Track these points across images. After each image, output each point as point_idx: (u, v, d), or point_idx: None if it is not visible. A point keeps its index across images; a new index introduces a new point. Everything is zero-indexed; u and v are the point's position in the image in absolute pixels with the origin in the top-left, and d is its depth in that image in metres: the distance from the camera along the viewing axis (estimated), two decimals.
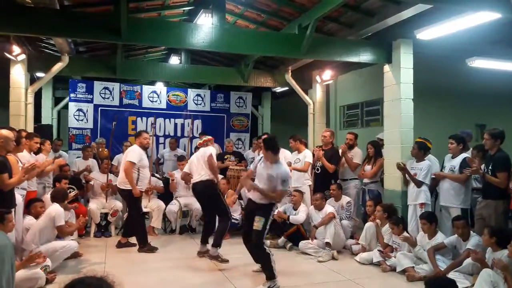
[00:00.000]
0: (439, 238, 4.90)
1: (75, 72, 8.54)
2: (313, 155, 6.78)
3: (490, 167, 4.75)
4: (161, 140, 9.54)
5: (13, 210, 4.33)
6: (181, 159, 7.62)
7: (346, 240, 6.01)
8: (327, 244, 5.57)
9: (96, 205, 6.78)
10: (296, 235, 6.03)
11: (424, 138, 5.81)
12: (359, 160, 6.69)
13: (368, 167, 6.46)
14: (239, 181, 5.36)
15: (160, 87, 10.16)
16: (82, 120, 9.03)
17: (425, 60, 6.77)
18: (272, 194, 4.35)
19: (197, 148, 7.89)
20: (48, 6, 5.25)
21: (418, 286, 4.50)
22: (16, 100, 7.29)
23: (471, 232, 4.69)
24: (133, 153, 5.83)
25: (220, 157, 8.31)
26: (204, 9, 6.41)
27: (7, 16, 5.05)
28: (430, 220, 4.97)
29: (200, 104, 9.93)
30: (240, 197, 7.08)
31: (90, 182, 7.00)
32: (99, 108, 9.14)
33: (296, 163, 6.59)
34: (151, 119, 9.29)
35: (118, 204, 6.95)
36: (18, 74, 7.34)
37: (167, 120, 9.64)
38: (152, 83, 10.71)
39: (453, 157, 5.36)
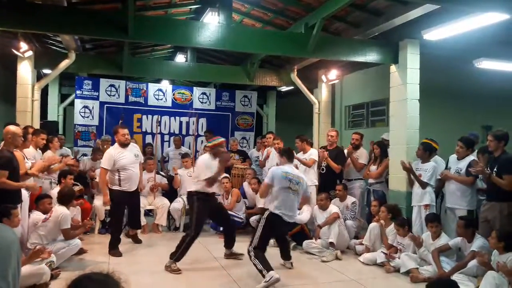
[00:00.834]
0: (443, 239, 4.88)
1: (81, 69, 8.58)
2: (318, 155, 6.77)
3: (495, 169, 4.71)
4: (166, 138, 9.57)
5: (19, 205, 4.37)
6: (185, 156, 7.63)
7: (350, 241, 6.00)
8: (331, 244, 5.56)
9: (101, 202, 6.79)
10: (299, 234, 6.03)
11: (431, 139, 5.79)
12: (364, 160, 6.67)
13: (373, 168, 6.44)
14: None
15: (165, 85, 10.18)
16: (87, 117, 9.07)
17: (432, 60, 6.73)
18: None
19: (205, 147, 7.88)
20: (55, 3, 5.28)
21: (422, 287, 4.49)
22: (22, 96, 7.34)
23: (476, 233, 4.66)
24: (104, 157, 5.57)
25: None
26: (210, 7, 6.42)
27: (15, 13, 5.08)
28: (435, 221, 4.96)
29: (205, 103, 9.93)
30: (244, 196, 7.09)
31: (95, 179, 7.02)
32: (105, 105, 9.17)
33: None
34: (156, 117, 9.32)
35: None
36: (25, 71, 7.38)
37: (172, 118, 9.66)
38: (157, 81, 10.73)
39: (458, 159, 5.33)
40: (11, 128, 4.48)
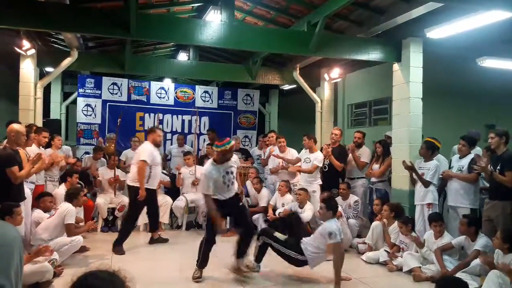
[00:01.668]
0: (446, 238, 4.87)
1: (84, 67, 8.58)
2: (321, 150, 6.76)
3: (498, 167, 4.70)
4: (169, 136, 9.56)
5: (22, 203, 4.38)
6: (187, 154, 7.63)
7: (353, 239, 5.99)
8: None
9: (103, 200, 6.82)
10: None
11: (433, 137, 5.77)
12: (366, 159, 6.66)
13: (376, 166, 6.43)
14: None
15: (168, 83, 10.18)
16: (90, 115, 9.07)
17: (435, 59, 6.71)
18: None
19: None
20: (58, 1, 5.28)
21: (424, 286, 4.49)
22: (25, 94, 7.34)
23: (479, 232, 4.65)
24: (145, 151, 5.68)
25: None
26: (213, 5, 6.42)
27: (17, 11, 5.08)
28: (439, 221, 4.95)
29: (207, 101, 9.93)
30: (247, 195, 7.09)
31: (98, 177, 7.03)
32: (107, 104, 9.17)
33: (306, 162, 6.57)
34: (158, 115, 9.33)
35: (126, 199, 6.97)
36: (27, 69, 7.38)
37: (174, 116, 9.65)
38: (160, 79, 10.73)
39: (461, 157, 5.32)
40: (15, 126, 4.49)
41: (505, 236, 4.03)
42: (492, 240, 4.26)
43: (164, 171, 8.08)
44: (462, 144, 5.28)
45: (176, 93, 9.70)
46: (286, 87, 10.61)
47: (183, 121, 9.70)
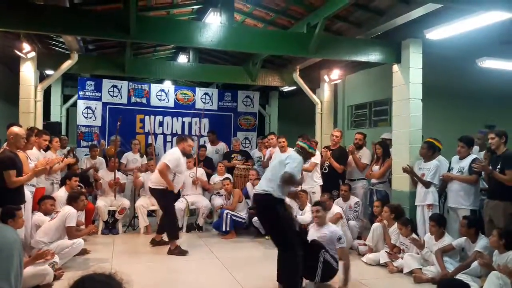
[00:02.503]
0: (446, 240, 4.87)
1: (84, 70, 8.59)
2: (321, 155, 6.77)
3: (498, 167, 4.70)
4: (169, 138, 9.57)
5: (22, 206, 4.38)
6: (189, 157, 7.63)
7: (353, 241, 5.99)
8: None
9: (103, 203, 6.82)
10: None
11: (434, 138, 5.78)
12: (367, 160, 6.66)
13: (376, 168, 6.43)
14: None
15: (168, 85, 10.19)
16: (90, 117, 9.09)
17: (434, 60, 6.71)
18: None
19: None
20: (58, 4, 5.29)
21: (425, 287, 4.47)
22: (25, 97, 7.35)
23: (480, 234, 4.64)
24: (171, 156, 5.70)
25: (227, 155, 8.34)
26: (212, 7, 6.42)
27: (17, 14, 5.09)
28: (440, 223, 4.94)
29: (207, 103, 9.94)
30: (247, 196, 7.09)
31: (99, 181, 7.03)
32: (108, 106, 9.18)
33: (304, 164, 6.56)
34: (159, 118, 9.34)
35: (126, 202, 7.00)
36: (27, 72, 7.39)
37: (174, 118, 9.66)
38: (160, 81, 10.74)
39: (461, 159, 5.32)
40: (14, 129, 4.51)
41: (501, 233, 4.05)
42: (490, 239, 4.26)
43: None
44: (461, 146, 5.28)
45: (176, 95, 9.71)
46: (286, 88, 10.63)
47: (183, 123, 9.71)
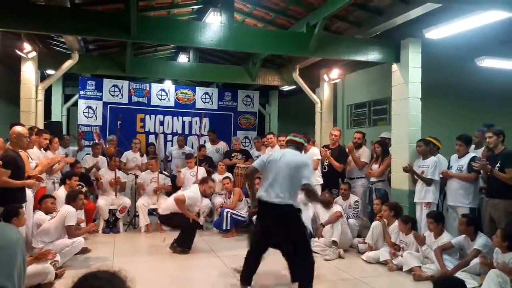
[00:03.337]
0: (445, 237, 4.89)
1: (84, 69, 8.61)
2: (321, 154, 6.79)
3: (497, 165, 4.72)
4: (169, 137, 9.60)
5: (24, 205, 4.41)
6: (189, 157, 7.67)
7: (353, 239, 6.02)
8: (334, 242, 5.57)
9: (104, 202, 6.85)
10: None
11: (434, 137, 5.80)
12: (366, 159, 6.68)
13: (375, 166, 6.45)
14: None
15: (168, 85, 10.21)
16: (91, 117, 9.11)
17: (433, 59, 6.73)
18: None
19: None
20: (59, 4, 5.31)
21: (425, 285, 4.50)
22: (26, 97, 7.38)
23: (479, 232, 4.66)
24: (192, 194, 5.81)
25: (228, 155, 8.36)
26: (212, 7, 6.45)
27: (18, 14, 5.11)
28: (437, 219, 4.97)
29: (207, 102, 9.96)
30: (247, 195, 7.11)
31: (100, 180, 7.06)
32: (108, 106, 9.21)
33: None
34: (159, 117, 9.37)
35: (127, 201, 7.03)
36: (28, 72, 7.41)
37: (175, 118, 9.69)
38: (160, 81, 10.76)
39: (459, 157, 5.35)
40: (17, 128, 4.54)
41: (505, 234, 4.05)
42: (492, 239, 4.28)
43: (165, 172, 8.13)
44: (459, 144, 5.31)
45: (176, 94, 9.74)
46: (286, 88, 10.64)
47: (183, 122, 9.74)
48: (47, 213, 5.24)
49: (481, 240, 4.54)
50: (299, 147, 4.27)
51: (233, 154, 8.25)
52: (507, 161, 4.65)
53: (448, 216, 5.36)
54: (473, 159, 5.11)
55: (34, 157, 5.32)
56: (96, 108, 9.14)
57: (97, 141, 8.43)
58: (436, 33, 5.72)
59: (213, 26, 5.86)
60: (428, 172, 5.49)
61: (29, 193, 4.84)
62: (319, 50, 6.23)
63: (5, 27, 5.45)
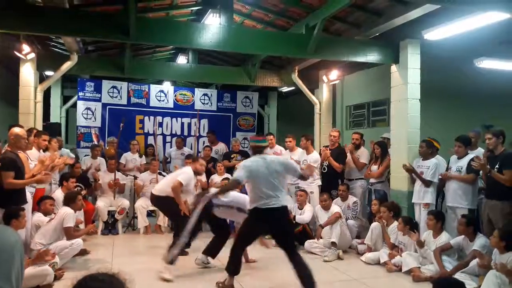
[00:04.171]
0: (444, 237, 4.90)
1: (83, 71, 8.60)
2: (320, 154, 6.80)
3: (496, 166, 4.72)
4: (168, 139, 9.59)
5: (25, 207, 4.40)
6: (189, 157, 7.65)
7: (352, 240, 6.02)
8: (333, 243, 5.57)
9: (103, 203, 6.84)
10: (302, 234, 6.04)
11: (433, 138, 5.80)
12: (365, 160, 6.69)
13: (374, 167, 6.45)
14: None
15: (167, 86, 10.20)
16: (90, 118, 9.10)
17: (432, 60, 6.74)
18: None
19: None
20: (57, 5, 5.30)
21: (424, 286, 4.50)
22: (25, 98, 7.36)
23: (478, 233, 4.67)
24: (185, 175, 5.65)
25: (227, 156, 8.36)
26: (212, 9, 6.44)
27: (17, 15, 5.10)
28: (438, 217, 4.98)
29: (206, 104, 9.95)
30: None
31: (99, 181, 7.05)
32: (107, 107, 9.20)
33: (303, 164, 6.60)
34: (158, 118, 9.36)
35: (126, 202, 7.02)
36: (27, 73, 7.40)
37: (174, 119, 9.68)
38: (159, 82, 10.75)
39: (459, 158, 5.35)
40: (15, 130, 4.53)
41: (502, 234, 4.05)
42: (490, 239, 4.28)
43: (164, 173, 8.11)
44: (458, 146, 5.31)
45: (175, 96, 9.73)
46: (285, 89, 10.65)
47: (182, 124, 9.73)
48: (45, 214, 5.23)
49: (480, 241, 4.55)
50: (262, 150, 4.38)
51: (232, 156, 8.24)
52: (505, 162, 4.65)
53: (447, 217, 5.36)
54: (472, 160, 5.10)
55: (33, 159, 5.30)
56: (95, 109, 9.12)
57: (96, 143, 8.43)
58: (435, 34, 5.73)
59: (212, 28, 5.86)
60: (427, 174, 5.48)
61: (28, 195, 4.83)
62: (318, 51, 6.22)
63: (4, 29, 5.44)
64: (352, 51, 6.44)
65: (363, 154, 6.73)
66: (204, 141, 9.19)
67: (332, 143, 6.92)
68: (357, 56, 6.46)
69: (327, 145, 7.21)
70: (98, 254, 5.56)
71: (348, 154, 6.77)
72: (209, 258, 5.12)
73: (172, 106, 9.66)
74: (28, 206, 4.82)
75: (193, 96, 9.86)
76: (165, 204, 5.59)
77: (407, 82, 6.19)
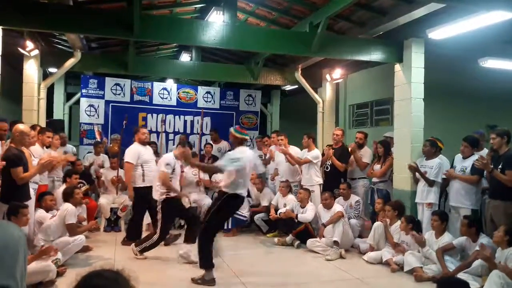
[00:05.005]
0: (446, 237, 4.88)
1: (87, 68, 8.63)
2: (323, 154, 6.80)
3: (500, 166, 4.70)
4: (171, 136, 9.60)
5: (28, 203, 4.41)
6: (192, 156, 7.64)
7: (354, 239, 6.01)
8: (335, 242, 5.57)
9: (106, 200, 6.85)
10: (304, 233, 6.04)
11: (436, 138, 5.78)
12: (368, 159, 6.67)
13: (377, 167, 6.44)
14: None
15: (170, 84, 10.21)
16: (93, 115, 9.12)
17: (436, 59, 6.70)
18: None
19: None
20: (61, 2, 5.32)
21: (426, 286, 4.50)
22: (28, 95, 7.39)
23: (481, 233, 4.65)
24: (128, 152, 5.84)
25: None
26: (215, 6, 6.44)
27: (21, 12, 5.11)
28: (443, 218, 4.96)
29: (209, 102, 9.96)
30: (248, 194, 7.10)
31: (102, 178, 7.06)
32: (110, 104, 9.21)
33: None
34: (161, 116, 9.36)
35: (128, 199, 7.01)
36: (31, 70, 7.42)
37: (177, 117, 9.69)
38: (162, 80, 10.77)
39: (464, 158, 5.33)
40: (20, 126, 4.55)
41: (508, 230, 4.07)
42: (493, 235, 4.27)
43: None
44: (465, 146, 5.28)
45: (178, 93, 9.73)
46: (288, 87, 10.63)
47: (185, 121, 9.74)
48: (47, 210, 5.24)
49: (483, 241, 4.52)
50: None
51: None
52: (507, 163, 4.63)
53: (450, 217, 5.34)
54: (476, 159, 5.09)
55: (37, 155, 5.31)
56: (98, 106, 9.15)
57: (99, 140, 8.44)
58: (439, 33, 5.71)
59: (216, 25, 5.86)
60: (431, 173, 5.47)
61: (31, 192, 4.84)
62: (322, 49, 6.21)
63: (8, 25, 5.45)
64: (356, 50, 6.42)
65: (366, 154, 6.71)
66: (207, 139, 9.18)
67: (336, 142, 6.91)
68: (361, 55, 6.44)
69: (330, 144, 7.20)
70: (101, 251, 5.57)
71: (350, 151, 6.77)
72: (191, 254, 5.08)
73: (175, 103, 9.68)
74: (31, 203, 4.84)
75: (196, 94, 9.87)
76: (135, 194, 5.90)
77: (410, 81, 6.17)
